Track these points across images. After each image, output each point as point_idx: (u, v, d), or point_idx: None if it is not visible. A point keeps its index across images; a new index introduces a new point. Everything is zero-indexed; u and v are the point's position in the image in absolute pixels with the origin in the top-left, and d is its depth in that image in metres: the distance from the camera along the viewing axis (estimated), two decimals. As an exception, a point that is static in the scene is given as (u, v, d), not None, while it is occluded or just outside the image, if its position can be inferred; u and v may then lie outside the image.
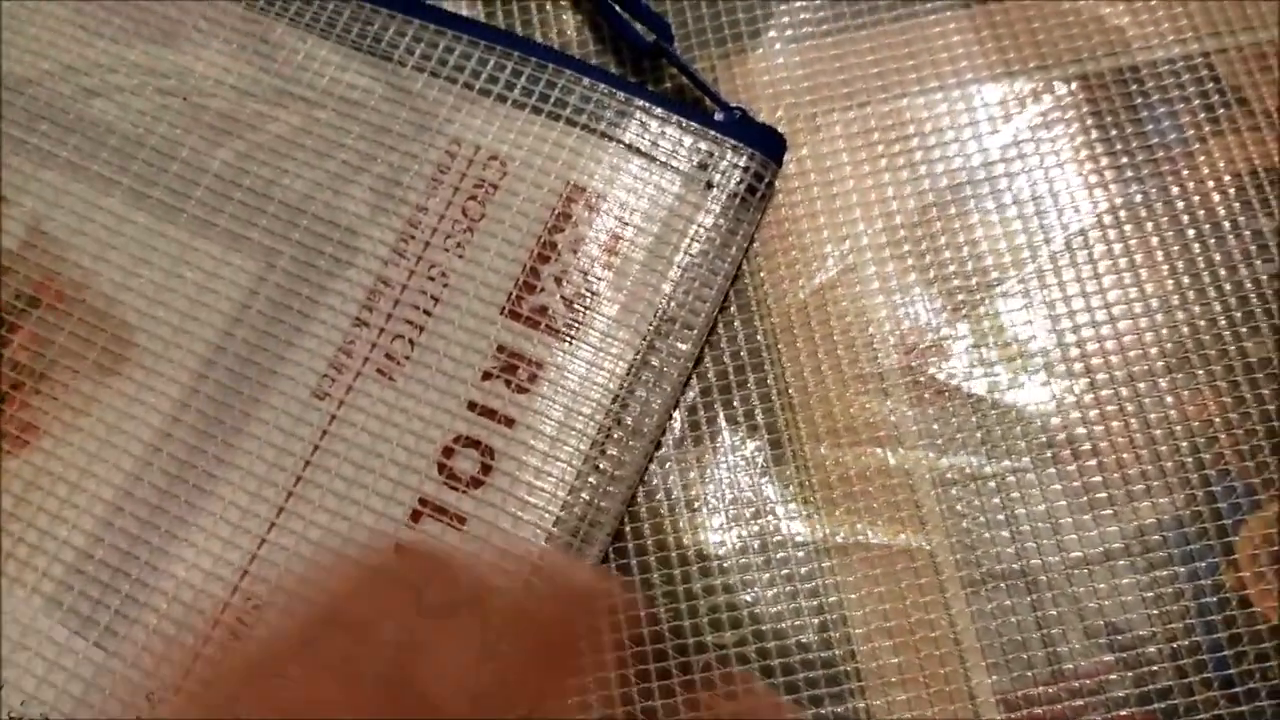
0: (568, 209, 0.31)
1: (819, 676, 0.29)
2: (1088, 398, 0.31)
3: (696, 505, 0.30)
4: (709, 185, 0.32)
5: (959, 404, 0.31)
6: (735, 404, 0.31)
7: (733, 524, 0.30)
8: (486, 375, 0.30)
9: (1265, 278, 0.32)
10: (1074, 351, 0.31)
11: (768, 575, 0.29)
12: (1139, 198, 0.33)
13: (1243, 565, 0.29)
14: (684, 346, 0.31)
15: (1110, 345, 0.31)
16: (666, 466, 0.31)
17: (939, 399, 0.31)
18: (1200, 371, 0.31)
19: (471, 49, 0.33)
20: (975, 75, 0.34)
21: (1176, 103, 0.34)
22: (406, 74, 0.33)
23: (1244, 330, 0.31)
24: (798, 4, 0.35)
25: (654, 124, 0.32)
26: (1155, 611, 0.29)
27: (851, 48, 0.35)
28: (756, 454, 0.31)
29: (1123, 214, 0.33)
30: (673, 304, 0.31)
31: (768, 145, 0.32)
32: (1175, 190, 0.33)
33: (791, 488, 0.30)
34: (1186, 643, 0.28)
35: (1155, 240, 0.32)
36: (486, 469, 0.29)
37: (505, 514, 0.29)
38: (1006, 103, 0.34)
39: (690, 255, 0.31)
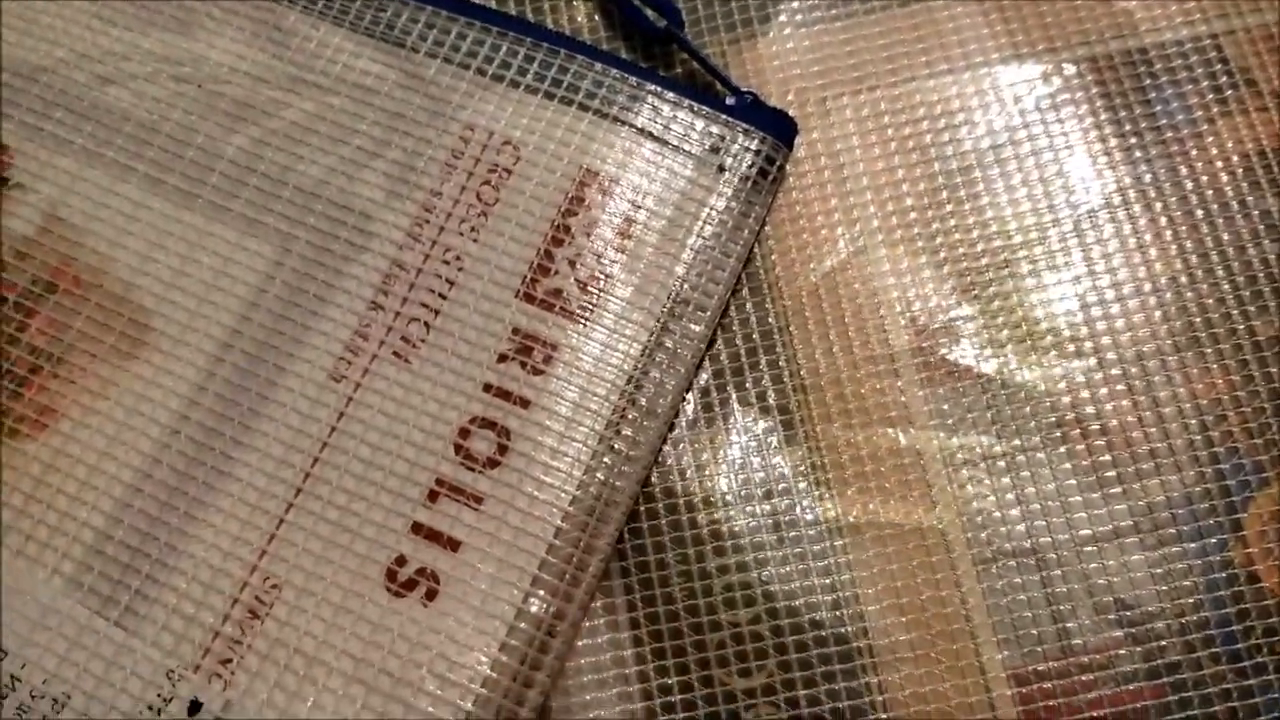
0: (581, 193, 0.32)
1: (832, 653, 0.29)
2: (1097, 377, 0.31)
3: (710, 486, 0.31)
4: (721, 169, 0.32)
5: (969, 384, 0.31)
6: (747, 386, 0.32)
7: (746, 504, 0.31)
8: (502, 357, 0.31)
9: (1273, 257, 0.32)
10: (1083, 331, 0.32)
11: (781, 554, 0.30)
12: (1148, 179, 0.33)
13: (1251, 542, 0.30)
14: (697, 328, 0.31)
15: (1120, 325, 0.32)
16: (680, 448, 0.31)
17: (949, 379, 0.32)
18: (1209, 350, 0.32)
19: (484, 35, 0.34)
20: (985, 58, 0.35)
21: (1185, 84, 0.34)
22: (420, 60, 0.34)
23: (1253, 309, 0.32)
24: (807, -12, 0.36)
25: (666, 108, 0.33)
26: (1164, 588, 0.29)
27: (860, 32, 0.35)
28: (769, 435, 0.31)
29: (1132, 195, 0.33)
30: (686, 286, 0.31)
31: (779, 129, 0.33)
32: (1184, 171, 0.33)
33: (803, 468, 0.31)
34: (1195, 618, 0.29)
35: (1164, 221, 0.33)
36: (503, 449, 0.30)
37: (521, 494, 0.29)
38: (1016, 85, 0.34)
39: (703, 238, 0.32)
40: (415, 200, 0.32)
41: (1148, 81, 0.34)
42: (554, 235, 0.32)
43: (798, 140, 0.34)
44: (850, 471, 0.31)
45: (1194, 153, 0.33)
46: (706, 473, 0.31)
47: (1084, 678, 0.29)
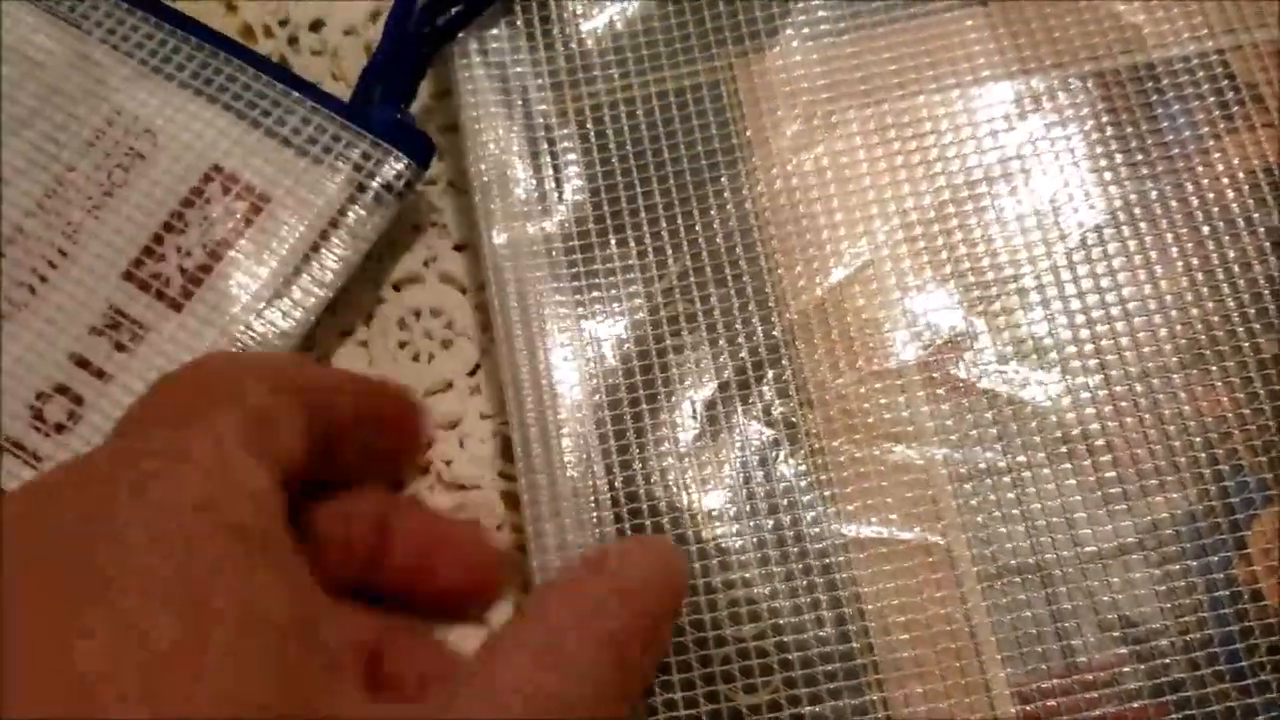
0: (203, 186, 0.34)
1: (837, 669, 0.29)
2: (1102, 393, 0.31)
3: (713, 500, 0.31)
4: (353, 181, 0.33)
5: (975, 400, 0.31)
6: (752, 399, 0.32)
7: (750, 519, 0.31)
8: (94, 330, 0.33)
9: (1278, 274, 0.32)
10: (1088, 347, 0.32)
11: (785, 569, 0.30)
12: (1154, 194, 0.33)
13: (1255, 559, 0.30)
14: (286, 324, 0.33)
15: (1124, 341, 0.32)
16: (685, 462, 0.31)
17: (955, 395, 0.32)
18: (1214, 367, 0.31)
19: (153, 28, 0.35)
20: (992, 73, 0.35)
21: (1191, 100, 0.34)
22: (91, 43, 0.35)
23: (1257, 326, 0.32)
24: (815, 2, 0.36)
25: (306, 118, 0.34)
26: (1168, 605, 0.29)
27: (868, 45, 0.35)
28: (773, 449, 0.31)
29: (1137, 211, 0.33)
30: (284, 288, 0.33)
31: (414, 148, 0.34)
32: (1190, 187, 0.33)
33: (808, 483, 0.31)
34: (1199, 636, 0.29)
35: (1170, 237, 0.33)
36: (74, 417, 0.32)
37: None
38: (1022, 100, 0.34)
39: (317, 247, 0.33)
40: (50, 172, 0.34)
41: (1155, 97, 0.34)
42: (168, 222, 0.33)
43: (804, 155, 0.34)
44: (855, 487, 0.31)
45: (1200, 169, 0.33)
46: (709, 486, 0.31)
47: (1088, 695, 0.29)
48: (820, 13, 0.36)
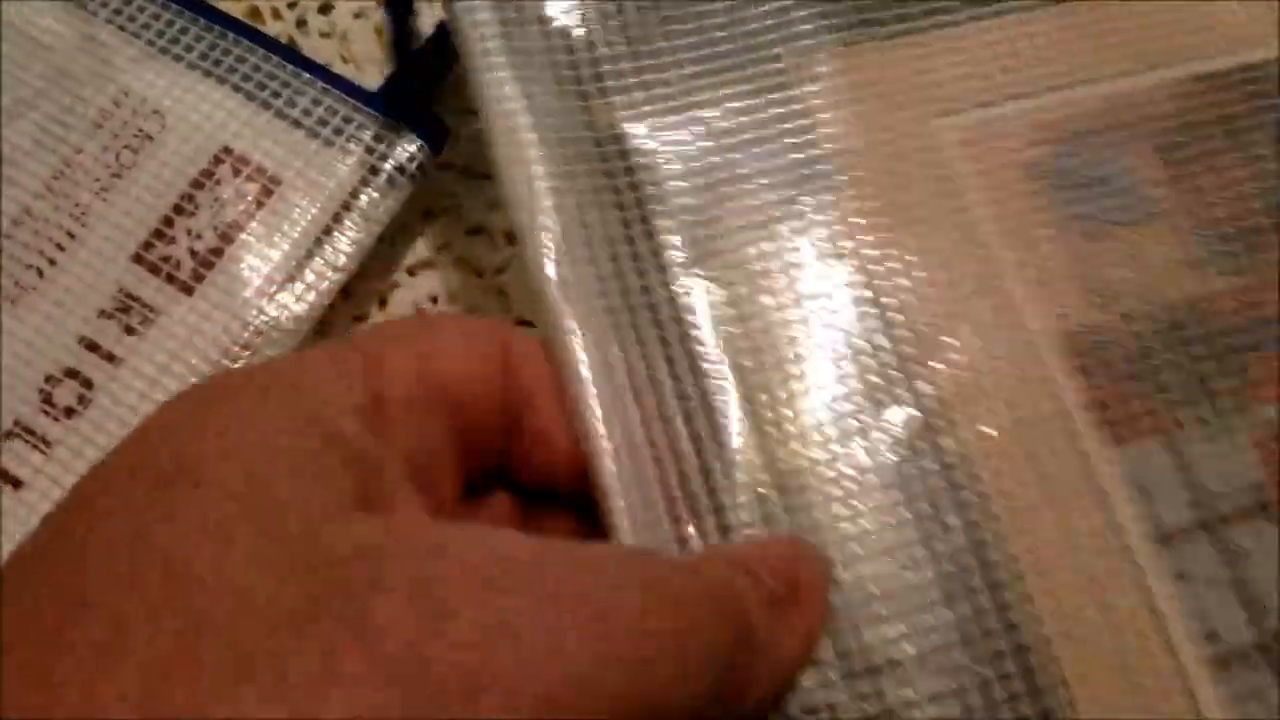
0: (213, 168, 0.32)
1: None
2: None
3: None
4: (364, 163, 0.32)
5: (1154, 444, 0.26)
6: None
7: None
8: (103, 313, 0.31)
9: None
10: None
11: (977, 676, 0.23)
12: (1281, 204, 0.29)
13: None
14: (299, 308, 0.31)
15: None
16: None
17: (1134, 439, 0.26)
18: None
19: (160, 9, 0.34)
20: (1089, 75, 0.30)
21: (1302, 102, 0.30)
22: (97, 24, 0.34)
23: None
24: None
25: (319, 99, 0.33)
26: None
27: (954, 44, 0.30)
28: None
29: (1264, 220, 0.29)
30: (301, 268, 0.31)
31: (427, 131, 0.32)
32: (1326, 192, 0.29)
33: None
34: None
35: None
36: (84, 400, 0.30)
37: (94, 445, 0.30)
38: (1130, 105, 0.30)
39: (330, 230, 0.31)
40: (58, 153, 0.33)
41: (1263, 100, 0.30)
42: (178, 204, 0.32)
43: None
44: (1043, 555, 0.25)
45: (1327, 176, 0.30)
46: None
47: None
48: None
